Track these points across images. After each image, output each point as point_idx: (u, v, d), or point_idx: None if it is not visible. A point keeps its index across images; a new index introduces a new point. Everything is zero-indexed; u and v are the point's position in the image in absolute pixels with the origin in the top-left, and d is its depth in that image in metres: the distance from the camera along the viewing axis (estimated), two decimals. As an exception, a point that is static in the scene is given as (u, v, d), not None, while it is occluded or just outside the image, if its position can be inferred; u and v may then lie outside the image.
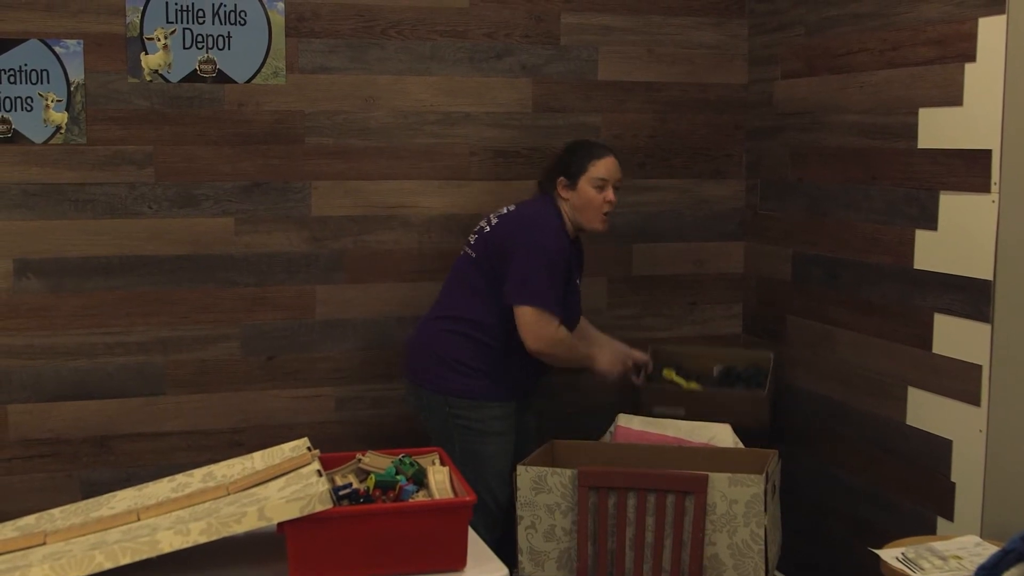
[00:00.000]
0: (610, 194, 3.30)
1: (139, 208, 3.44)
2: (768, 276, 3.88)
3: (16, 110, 3.30)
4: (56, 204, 3.37)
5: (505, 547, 3.18)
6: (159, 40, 3.39)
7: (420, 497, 2.36)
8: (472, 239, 3.38)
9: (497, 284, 3.26)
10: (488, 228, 3.35)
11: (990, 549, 2.62)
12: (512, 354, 3.28)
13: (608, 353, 3.46)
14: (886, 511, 3.25)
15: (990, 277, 2.80)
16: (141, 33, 3.38)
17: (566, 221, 3.33)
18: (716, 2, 3.90)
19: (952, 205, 2.94)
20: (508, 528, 3.28)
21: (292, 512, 2.15)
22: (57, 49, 3.32)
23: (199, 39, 3.43)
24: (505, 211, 3.37)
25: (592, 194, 3.29)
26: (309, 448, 2.49)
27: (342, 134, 3.58)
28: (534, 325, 3.19)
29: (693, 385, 3.60)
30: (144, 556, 2.13)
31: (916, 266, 3.09)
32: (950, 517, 2.97)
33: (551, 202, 3.35)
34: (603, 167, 3.30)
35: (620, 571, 3.04)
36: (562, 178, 3.32)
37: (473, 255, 3.33)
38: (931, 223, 3.02)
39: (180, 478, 2.52)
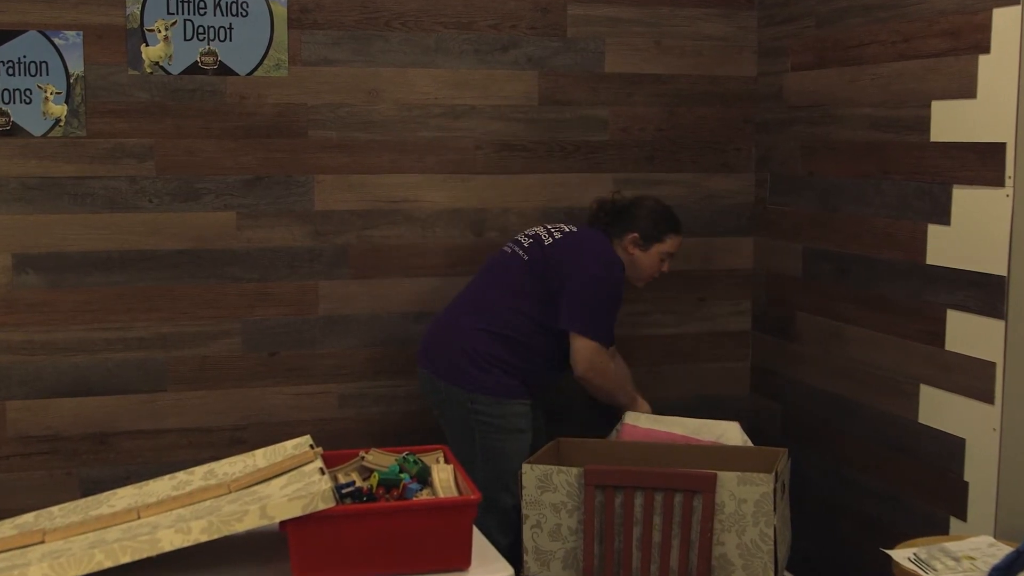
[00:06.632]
0: (666, 265, 3.48)
1: (139, 202, 3.41)
2: (778, 272, 3.85)
3: (15, 102, 3.28)
4: (55, 198, 3.34)
5: (512, 548, 3.16)
6: (160, 32, 3.36)
7: (424, 496, 2.34)
8: (526, 243, 3.38)
9: (548, 296, 3.29)
10: (548, 240, 3.36)
11: (1004, 550, 2.60)
12: (548, 361, 3.32)
13: (645, 403, 3.52)
14: (898, 511, 3.22)
15: (1004, 273, 2.77)
16: (141, 24, 3.35)
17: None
18: (724, -6, 3.88)
19: (965, 199, 2.90)
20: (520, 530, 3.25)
21: (294, 511, 2.13)
22: (56, 41, 3.29)
23: (200, 31, 3.39)
24: (566, 229, 3.41)
25: (655, 262, 3.45)
26: (312, 446, 2.48)
27: (345, 127, 3.55)
28: (591, 356, 3.27)
29: None
30: (144, 555, 2.12)
31: (928, 261, 3.05)
32: (963, 517, 2.94)
33: (609, 241, 3.41)
34: (675, 243, 3.46)
35: (627, 571, 3.02)
36: (636, 235, 3.40)
37: (526, 258, 3.33)
38: (944, 218, 2.98)
39: (181, 476, 2.50)
